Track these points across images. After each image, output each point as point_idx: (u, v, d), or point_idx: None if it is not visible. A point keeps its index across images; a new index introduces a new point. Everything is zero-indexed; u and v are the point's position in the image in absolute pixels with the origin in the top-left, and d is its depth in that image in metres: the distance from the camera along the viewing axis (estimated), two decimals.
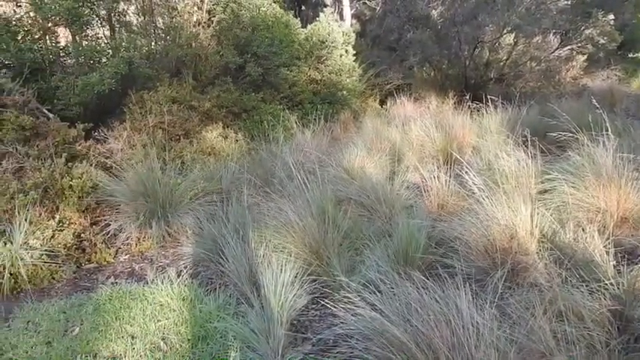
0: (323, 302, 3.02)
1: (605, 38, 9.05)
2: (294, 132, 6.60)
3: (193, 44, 6.81)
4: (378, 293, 2.67)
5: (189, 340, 2.91)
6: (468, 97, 7.69)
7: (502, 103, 7.05)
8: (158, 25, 7.10)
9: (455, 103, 8.27)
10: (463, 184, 4.19)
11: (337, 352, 2.68)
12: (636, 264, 3.28)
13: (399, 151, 5.81)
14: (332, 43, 7.92)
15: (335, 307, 2.78)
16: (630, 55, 16.03)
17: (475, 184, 3.90)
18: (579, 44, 9.30)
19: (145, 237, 4.33)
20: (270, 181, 4.64)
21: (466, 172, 4.26)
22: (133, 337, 2.95)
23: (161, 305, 3.25)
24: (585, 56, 10.44)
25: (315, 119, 6.96)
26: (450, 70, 10.04)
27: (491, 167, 4.55)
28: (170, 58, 6.73)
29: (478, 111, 7.08)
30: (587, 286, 2.82)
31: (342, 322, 2.67)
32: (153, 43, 7.06)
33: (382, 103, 9.32)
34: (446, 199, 4.23)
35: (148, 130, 5.53)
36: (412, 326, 2.32)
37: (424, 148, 6.11)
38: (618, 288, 2.80)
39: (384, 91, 9.37)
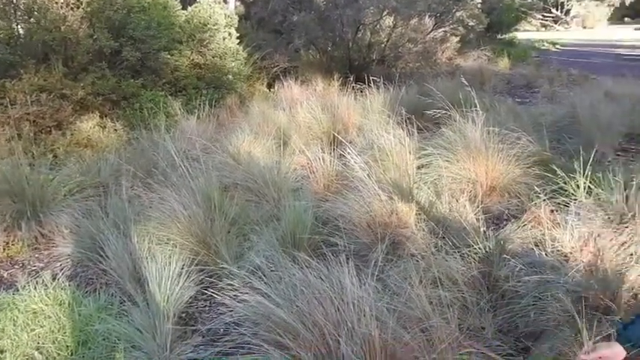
0: (211, 292, 2.96)
1: (474, 20, 9.70)
2: (178, 119, 6.38)
3: (62, 27, 6.29)
4: (265, 278, 2.67)
5: (67, 346, 2.73)
6: (352, 79, 7.88)
7: (384, 83, 7.31)
8: (19, 6, 6.48)
9: (340, 84, 8.44)
10: (347, 163, 4.31)
11: (227, 341, 2.66)
12: (502, 228, 3.60)
13: (286, 134, 5.83)
14: (214, 25, 7.72)
15: (223, 295, 2.74)
16: (498, 37, 17.35)
17: (360, 164, 4.03)
18: (451, 26, 9.90)
19: (14, 240, 3.97)
20: (153, 171, 4.45)
21: (353, 152, 4.39)
22: (1, 352, 2.71)
23: (34, 313, 3.01)
24: (458, 38, 11.12)
25: (200, 105, 6.77)
26: (334, 52, 10.21)
27: (374, 146, 4.72)
28: (35, 42, 6.18)
29: (362, 92, 7.29)
30: (459, 252, 3.04)
31: (230, 311, 2.64)
32: (14, 26, 6.44)
33: (270, 86, 9.28)
34: (331, 180, 4.32)
35: (12, 122, 5.05)
36: (298, 307, 2.35)
37: (311, 129, 6.18)
38: (486, 251, 3.04)
39: (271, 75, 9.33)
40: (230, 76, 7.92)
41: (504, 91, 9.56)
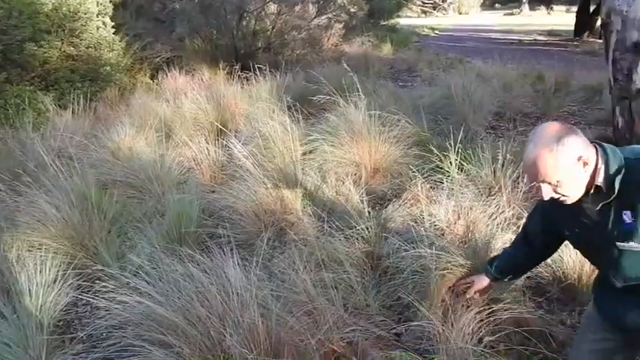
0: (88, 297, 2.80)
1: (355, 7, 9.96)
2: (49, 115, 5.92)
3: None
4: (146, 276, 2.57)
5: None
6: (238, 67, 7.77)
7: (271, 71, 7.28)
8: None
9: (227, 73, 8.28)
10: (234, 153, 4.26)
11: (109, 345, 2.52)
12: (385, 207, 3.75)
13: (170, 126, 5.64)
14: (85, 14, 7.22)
15: (102, 298, 2.60)
16: (381, 23, 17.96)
17: (243, 153, 3.99)
18: (334, 13, 10.08)
19: None
20: (20, 173, 4.10)
21: (237, 142, 4.34)
22: None
23: None
24: (342, 24, 11.35)
25: (75, 99, 6.32)
26: (220, 40, 9.99)
27: (260, 134, 4.69)
28: None
29: (248, 80, 7.21)
30: (344, 234, 3.12)
31: (108, 314, 2.52)
32: None
33: (153, 77, 8.87)
34: (217, 171, 4.25)
35: None
36: (180, 303, 2.28)
37: (197, 120, 6.00)
38: (369, 231, 3.15)
39: (154, 65, 8.93)
40: (107, 68, 7.47)
41: (388, 75, 9.91)
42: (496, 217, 3.18)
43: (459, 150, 4.02)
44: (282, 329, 2.13)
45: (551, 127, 1.63)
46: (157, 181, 4.05)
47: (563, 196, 1.65)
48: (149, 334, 2.26)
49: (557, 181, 1.61)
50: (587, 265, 2.65)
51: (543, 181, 1.63)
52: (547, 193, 1.65)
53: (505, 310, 2.42)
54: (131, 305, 2.37)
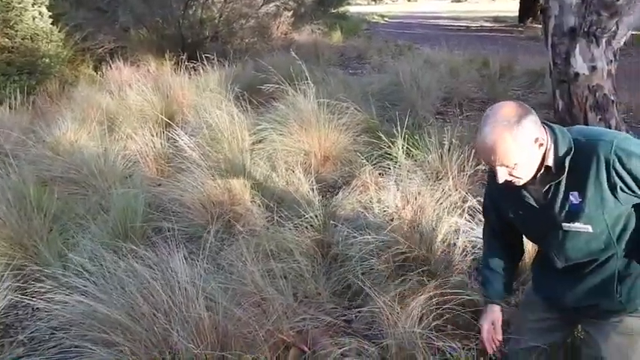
0: (31, 297, 2.68)
1: None
2: None
3: None
4: (89, 275, 2.48)
5: None
6: (185, 57, 7.58)
7: (219, 60, 7.15)
8: None
9: (174, 64, 8.07)
10: (181, 145, 4.16)
11: (51, 347, 2.43)
12: (335, 195, 3.75)
13: (115, 119, 5.46)
14: (19, 3, 6.87)
15: (43, 299, 2.49)
16: (331, 11, 17.91)
17: (190, 145, 3.91)
18: (282, 0, 9.97)
19: None
20: None
21: (184, 133, 4.25)
22: None
23: None
24: (291, 12, 11.25)
25: (11, 93, 6.02)
26: (166, 30, 9.71)
27: (208, 125, 4.60)
28: None
29: (196, 70, 7.06)
30: (293, 223, 3.11)
31: (49, 315, 2.42)
32: None
33: (97, 69, 8.56)
34: (164, 163, 4.14)
35: None
36: (123, 300, 2.22)
37: (143, 112, 5.83)
38: (318, 219, 3.15)
39: (97, 56, 8.62)
40: (46, 60, 7.15)
41: (338, 63, 9.91)
42: (443, 202, 3.23)
43: (407, 136, 4.06)
44: (229, 322, 2.10)
45: (508, 108, 1.57)
46: (101, 176, 3.93)
47: (518, 178, 1.62)
48: (92, 334, 2.18)
49: (515, 164, 1.57)
50: (530, 245, 2.73)
51: (501, 164, 1.57)
52: (502, 176, 1.60)
53: (452, 294, 2.47)
54: (72, 305, 2.28)
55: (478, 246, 2.88)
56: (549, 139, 1.61)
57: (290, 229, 3.01)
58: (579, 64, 4.30)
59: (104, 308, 2.14)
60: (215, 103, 5.23)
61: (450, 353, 2.17)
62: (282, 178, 3.79)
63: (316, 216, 3.09)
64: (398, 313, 2.22)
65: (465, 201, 3.21)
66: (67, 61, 7.87)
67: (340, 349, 2.22)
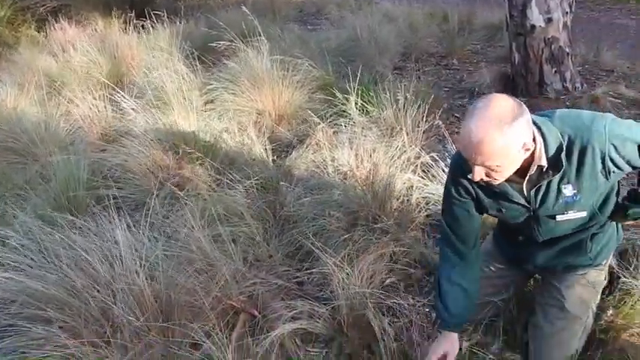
0: None
1: None
2: None
3: None
4: (24, 249, 2.35)
5: None
6: (134, 15, 7.21)
7: (169, 18, 6.82)
8: None
9: (122, 22, 7.68)
10: (127, 108, 3.97)
11: None
12: (290, 155, 3.66)
13: (59, 82, 5.18)
14: None
15: None
16: None
17: (135, 107, 3.73)
18: None
19: None
20: None
21: (131, 96, 4.05)
22: None
23: None
24: None
25: None
26: None
27: (158, 86, 4.40)
28: None
29: (145, 29, 6.72)
30: (244, 185, 3.01)
31: None
32: None
33: (40, 30, 8.09)
34: (109, 128, 3.95)
35: None
36: (61, 274, 2.10)
37: (90, 75, 5.55)
38: (271, 180, 3.06)
39: (39, 16, 8.12)
40: None
41: (296, 19, 9.61)
42: (398, 158, 3.18)
43: (362, 92, 3.96)
44: (172, 291, 2.01)
45: (504, 104, 1.41)
46: (42, 144, 3.72)
47: (494, 179, 1.51)
48: (28, 311, 2.07)
49: (498, 166, 1.45)
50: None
51: (482, 164, 1.45)
52: (478, 175, 1.48)
53: (404, 252, 2.45)
54: (3, 282, 2.15)
55: (432, 202, 2.85)
56: (538, 140, 1.49)
57: (240, 191, 2.92)
58: (535, 16, 4.24)
59: (39, 284, 2.02)
60: (165, 63, 4.99)
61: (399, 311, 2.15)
62: (234, 139, 3.66)
63: (270, 177, 2.99)
64: (348, 273, 2.17)
65: (418, 157, 3.16)
66: (5, 21, 7.38)
67: (291, 312, 2.18)
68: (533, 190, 1.59)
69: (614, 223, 1.83)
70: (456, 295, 1.80)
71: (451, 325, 1.83)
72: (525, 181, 1.57)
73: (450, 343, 1.82)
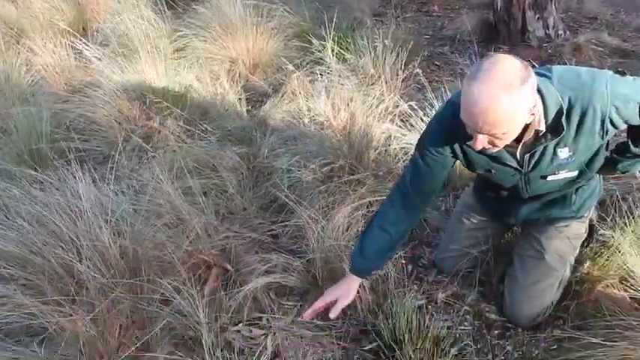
0: None
1: None
2: None
3: None
4: None
5: None
6: None
7: None
8: None
9: None
10: (92, 57, 3.76)
11: None
12: (265, 104, 3.53)
13: (19, 30, 4.89)
14: None
15: None
16: None
17: (97, 56, 3.54)
18: None
19: None
20: None
21: (96, 44, 3.84)
22: None
23: None
24: None
25: None
26: None
27: (124, 33, 4.17)
28: None
29: None
30: (217, 136, 2.90)
31: None
32: None
33: None
34: (72, 78, 3.74)
35: None
36: (20, 231, 2.00)
37: (52, 23, 5.24)
38: (245, 131, 2.95)
39: None
40: None
41: None
42: (376, 107, 3.08)
43: (340, 39, 3.81)
44: (139, 246, 1.93)
45: (511, 65, 1.28)
46: (2, 95, 3.52)
47: (496, 147, 1.41)
48: None
49: (504, 133, 1.34)
50: None
51: (487, 133, 1.33)
52: (481, 144, 1.37)
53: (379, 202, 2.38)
54: None
55: (410, 152, 2.78)
56: (538, 103, 1.39)
57: (212, 142, 2.81)
58: None
59: None
60: (131, 9, 4.73)
61: None
62: (206, 89, 3.50)
63: (244, 128, 2.88)
64: (323, 226, 2.11)
65: (397, 106, 3.06)
66: None
67: (265, 265, 2.12)
68: (528, 154, 1.52)
69: (599, 175, 1.79)
70: (379, 238, 1.71)
71: (357, 267, 1.74)
72: (520, 146, 1.49)
73: (347, 289, 1.73)
